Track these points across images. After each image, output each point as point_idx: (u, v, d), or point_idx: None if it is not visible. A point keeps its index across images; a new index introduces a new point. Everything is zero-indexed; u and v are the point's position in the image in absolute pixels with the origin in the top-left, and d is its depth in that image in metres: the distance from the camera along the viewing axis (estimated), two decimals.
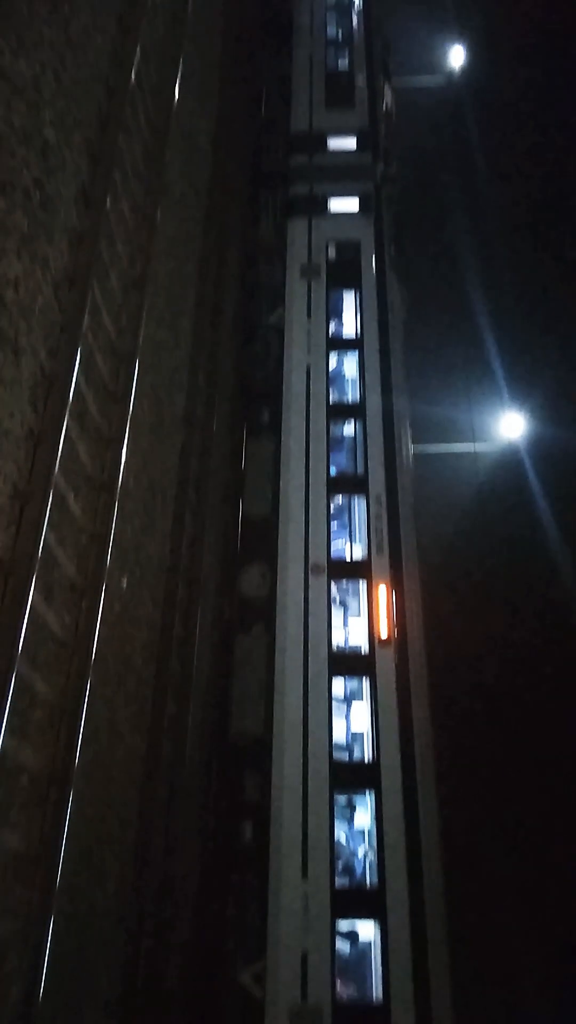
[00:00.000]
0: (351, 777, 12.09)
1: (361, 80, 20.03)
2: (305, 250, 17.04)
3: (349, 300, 16.87)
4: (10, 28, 5.45)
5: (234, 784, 12.92)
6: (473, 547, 20.48)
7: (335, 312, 16.81)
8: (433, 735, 12.71)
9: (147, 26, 9.16)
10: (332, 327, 16.32)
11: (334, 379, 15.89)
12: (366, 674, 12.49)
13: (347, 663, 12.87)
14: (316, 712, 12.27)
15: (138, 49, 8.52)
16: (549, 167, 25.34)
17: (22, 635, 5.23)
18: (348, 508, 14.34)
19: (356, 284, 16.70)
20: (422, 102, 27.87)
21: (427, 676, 13.10)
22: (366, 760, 12.21)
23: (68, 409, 6.37)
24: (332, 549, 13.75)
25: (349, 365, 16.21)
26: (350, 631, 13.47)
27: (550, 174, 25.15)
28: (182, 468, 10.88)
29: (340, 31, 21.27)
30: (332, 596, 13.40)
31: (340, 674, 12.64)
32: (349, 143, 18.47)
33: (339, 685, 12.79)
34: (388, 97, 20.70)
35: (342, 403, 15.53)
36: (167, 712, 9.89)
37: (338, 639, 13.09)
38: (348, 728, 12.99)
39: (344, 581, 13.64)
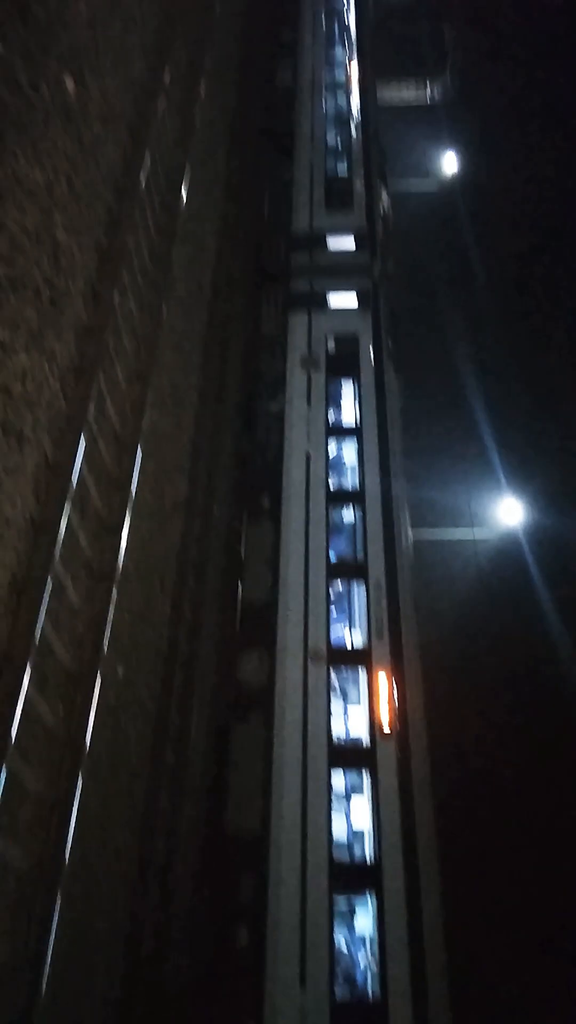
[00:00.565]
0: (351, 878, 11.59)
1: (359, 185, 21.06)
2: (305, 342, 17.57)
3: (348, 389, 17.28)
4: (26, 138, 5.76)
5: (229, 884, 12.36)
6: (473, 633, 20.27)
7: (334, 401, 17.19)
8: (436, 832, 12.26)
9: (156, 135, 9.70)
10: (331, 415, 16.65)
11: (333, 465, 16.10)
12: (367, 767, 12.14)
13: (347, 755, 12.52)
14: (315, 808, 11.87)
15: (147, 156, 8.99)
16: (541, 264, 26.36)
17: (14, 729, 5.10)
18: (348, 594, 14.27)
19: (355, 374, 17.14)
20: (417, 205, 29.28)
21: (430, 768, 12.75)
22: (367, 860, 11.72)
23: (70, 497, 6.42)
24: (332, 635, 13.61)
25: (348, 452, 16.46)
26: (350, 721, 13.16)
27: (543, 269, 26.13)
28: (182, 554, 10.87)
29: (339, 140, 22.51)
30: (332, 684, 13.17)
31: (340, 767, 12.28)
32: (348, 243, 19.29)
33: (339, 779, 12.40)
34: (385, 200, 21.78)
35: (341, 489, 15.68)
36: (160, 807, 9.56)
37: (338, 730, 12.78)
38: (348, 825, 12.53)
39: (344, 668, 13.42)
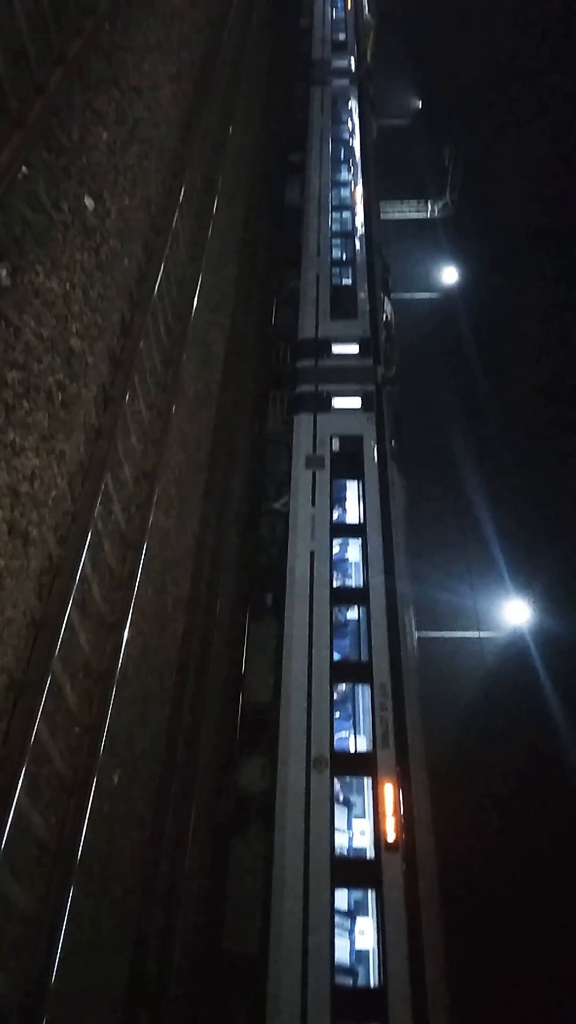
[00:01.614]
0: (355, 1006, 10.80)
1: (363, 295, 21.91)
2: (310, 442, 17.86)
3: (352, 489, 17.42)
4: (46, 253, 6.04)
5: (225, 1010, 11.53)
6: (480, 734, 19.71)
7: (338, 500, 17.31)
8: (445, 956, 11.51)
9: (170, 249, 10.16)
10: (336, 514, 16.74)
11: (338, 564, 16.05)
12: (372, 885, 11.51)
13: (351, 871, 11.90)
14: (317, 928, 11.19)
15: (161, 269, 9.39)
16: (543, 367, 27.10)
17: (3, 842, 4.87)
18: (352, 697, 13.94)
19: (359, 474, 17.31)
20: (419, 313, 30.45)
21: (438, 884, 12.11)
22: (372, 985, 10.97)
23: (72, 596, 6.36)
24: (335, 740, 13.18)
25: (352, 551, 16.45)
26: (354, 833, 12.60)
27: (545, 372, 26.82)
28: (183, 653, 10.70)
29: (344, 253, 23.60)
30: (335, 793, 12.67)
31: (343, 884, 11.65)
32: (352, 349, 19.92)
33: (342, 897, 11.75)
34: (388, 309, 22.62)
35: (346, 588, 15.57)
36: (155, 925, 9.03)
37: (341, 843, 12.20)
38: (352, 947, 11.80)
39: (348, 777, 12.94)
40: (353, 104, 29.22)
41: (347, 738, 13.56)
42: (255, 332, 19.64)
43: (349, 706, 13.93)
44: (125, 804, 8.43)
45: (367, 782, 12.72)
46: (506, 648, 21.32)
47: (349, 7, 36.31)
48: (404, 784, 12.60)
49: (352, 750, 13.36)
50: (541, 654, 20.82)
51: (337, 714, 13.55)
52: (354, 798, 13.18)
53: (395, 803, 12.34)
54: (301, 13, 35.72)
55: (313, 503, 16.72)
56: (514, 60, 35.17)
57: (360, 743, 13.44)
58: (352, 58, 32.00)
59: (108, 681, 7.34)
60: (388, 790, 12.42)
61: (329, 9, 35.98)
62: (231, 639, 14.33)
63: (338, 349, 20.07)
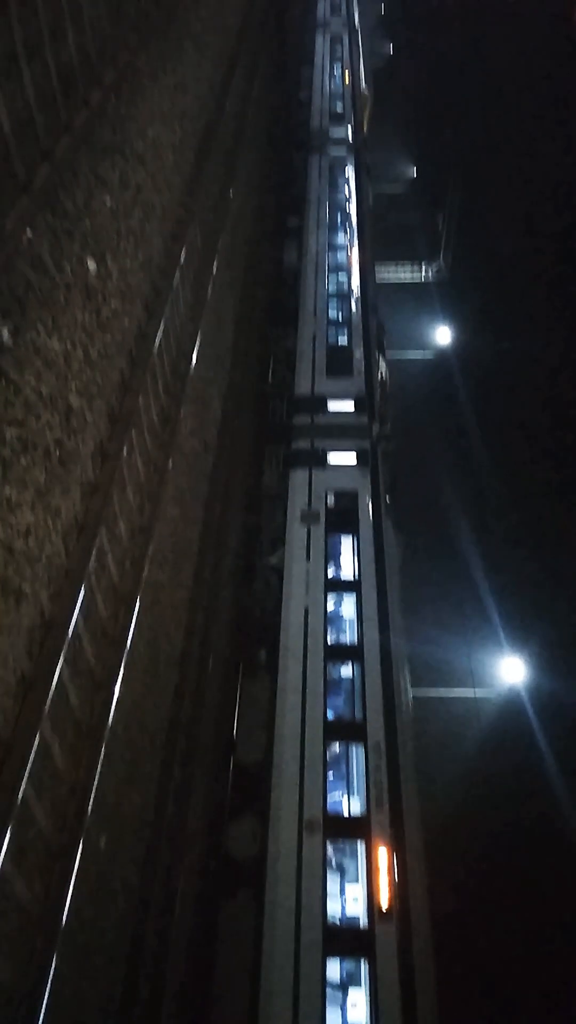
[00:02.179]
0: None
1: (358, 353, 22.34)
2: (305, 497, 17.97)
3: (347, 544, 17.46)
4: (47, 313, 6.15)
5: None
6: (476, 795, 19.34)
7: (333, 555, 17.33)
8: None
9: (170, 309, 10.36)
10: (331, 570, 16.72)
11: (332, 620, 15.97)
12: (365, 955, 11.14)
13: (344, 940, 11.54)
14: (308, 999, 10.80)
15: (161, 328, 9.56)
16: (538, 425, 27.43)
17: None
18: (345, 757, 13.70)
19: (353, 530, 17.38)
20: (414, 372, 30.97)
21: (433, 953, 11.73)
22: None
23: (63, 653, 6.29)
24: (328, 802, 12.92)
25: (347, 607, 16.38)
26: (347, 900, 12.24)
27: (540, 431, 27.14)
28: (174, 711, 10.53)
29: (340, 314, 24.13)
30: (328, 858, 12.35)
31: (335, 954, 11.28)
32: (347, 406, 20.21)
33: (334, 967, 11.36)
34: (383, 368, 23.03)
35: (340, 645, 15.46)
36: (139, 998, 8.68)
37: (334, 910, 11.86)
38: (344, 1021, 11.36)
39: (341, 841, 12.64)
40: (350, 172, 30.27)
41: (340, 799, 13.29)
42: (252, 389, 19.91)
43: (342, 766, 13.69)
44: (112, 868, 8.19)
45: (360, 846, 12.43)
46: (502, 707, 21.07)
47: (347, 81, 37.88)
48: (398, 848, 12.32)
49: (345, 813, 13.08)
50: (537, 714, 20.58)
51: (330, 774, 13.31)
52: (347, 862, 12.86)
53: (389, 869, 12.04)
54: (300, 86, 37.25)
55: (308, 558, 16.73)
56: (506, 129, 36.54)
57: (354, 805, 13.17)
58: (349, 128, 33.24)
59: (97, 740, 7.21)
60: (382, 855, 12.13)
61: (327, 82, 37.54)
62: (223, 696, 14.15)
63: (334, 406, 20.37)
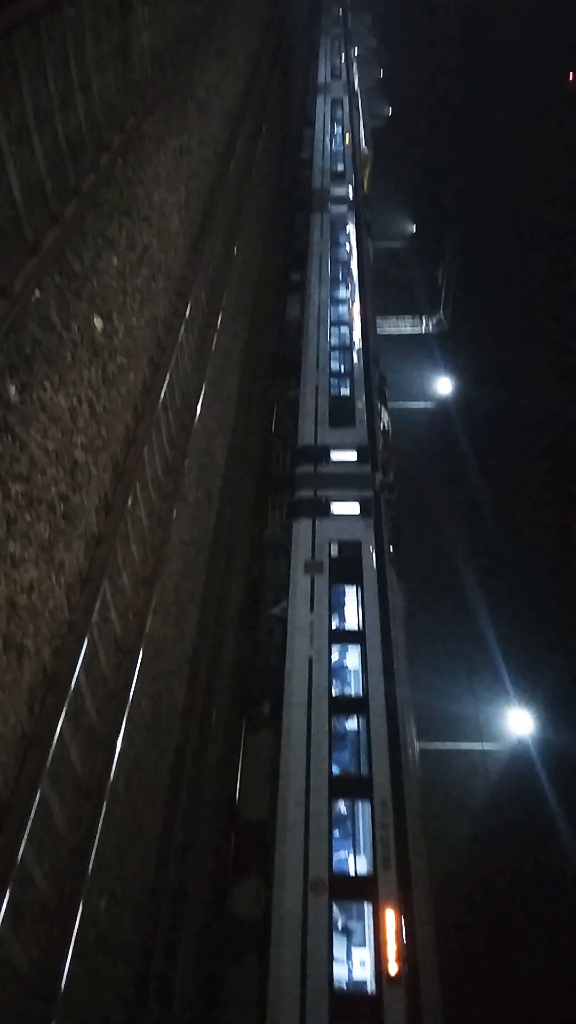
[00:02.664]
0: None
1: (361, 404, 22.56)
2: (309, 547, 17.92)
3: (351, 595, 17.35)
4: (54, 370, 6.24)
5: None
6: (485, 857, 18.89)
7: (337, 606, 17.20)
8: None
9: (175, 363, 10.51)
10: (335, 620, 16.59)
11: (336, 672, 15.78)
12: (373, 1022, 10.72)
13: (351, 1006, 11.11)
14: None
15: (166, 382, 9.68)
16: (539, 472, 27.52)
17: None
18: (351, 814, 13.39)
19: (357, 580, 17.28)
20: (416, 422, 31.24)
21: (443, 1018, 11.28)
22: None
23: (65, 709, 6.21)
24: (334, 861, 12.57)
25: (351, 658, 16.20)
26: (354, 964, 11.83)
27: (540, 477, 27.22)
28: (176, 767, 10.35)
29: (342, 365, 24.45)
30: (334, 920, 11.98)
31: (343, 1021, 10.85)
32: (350, 456, 20.32)
33: None
34: (385, 418, 23.23)
35: (345, 697, 15.24)
36: None
37: (340, 975, 11.45)
38: None
39: (347, 902, 12.27)
40: (351, 229, 30.99)
41: (346, 858, 12.95)
42: (256, 439, 20.07)
43: (348, 824, 13.37)
44: (112, 932, 7.95)
45: (367, 908, 12.06)
46: (510, 760, 20.69)
47: (347, 141, 39.06)
48: (406, 910, 11.94)
49: (352, 872, 12.73)
50: (546, 767, 20.20)
51: (336, 832, 12.99)
52: (353, 925, 12.47)
53: (397, 932, 11.67)
54: (302, 146, 38.42)
55: (312, 609, 16.61)
56: (503, 186, 37.54)
57: (360, 864, 12.83)
58: (350, 187, 34.16)
59: (98, 799, 7.06)
60: (389, 917, 11.77)
61: (328, 142, 38.72)
62: (226, 751, 13.92)
63: (337, 456, 20.48)
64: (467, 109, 42.49)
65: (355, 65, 51.26)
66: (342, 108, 42.46)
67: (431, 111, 48.92)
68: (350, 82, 46.92)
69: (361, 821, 13.30)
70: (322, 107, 42.20)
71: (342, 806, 13.48)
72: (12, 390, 5.35)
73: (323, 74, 48.50)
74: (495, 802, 20.07)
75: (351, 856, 12.98)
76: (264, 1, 25.02)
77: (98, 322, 7.13)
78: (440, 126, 46.01)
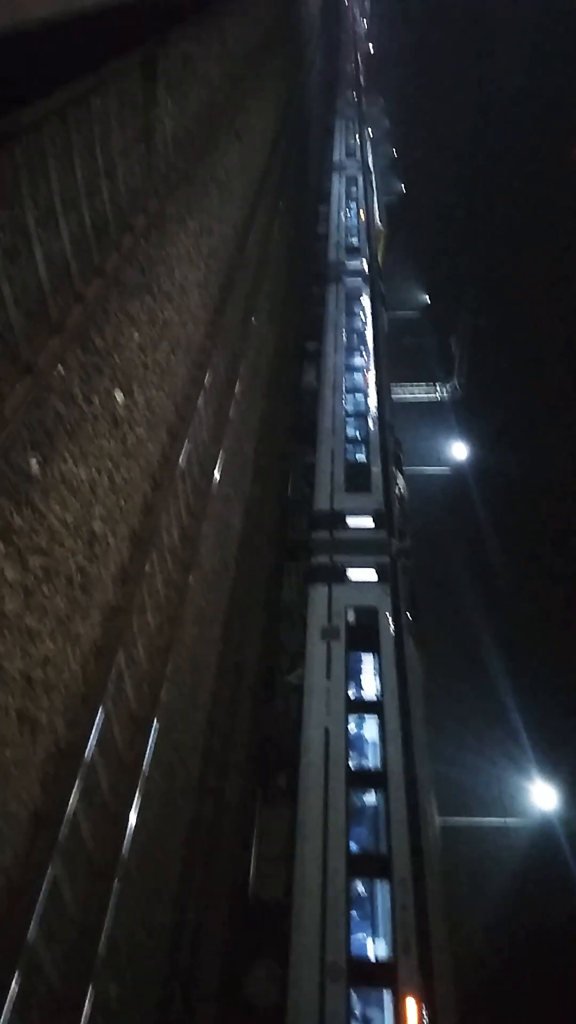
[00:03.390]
0: None
1: (376, 469, 22.69)
2: (325, 614, 17.79)
3: (368, 662, 17.11)
4: (75, 443, 6.34)
5: None
6: (510, 935, 18.09)
7: (354, 673, 16.95)
8: None
9: (193, 432, 10.66)
10: (352, 689, 16.32)
11: (354, 742, 15.44)
12: None
13: None
14: None
15: (184, 452, 9.80)
16: (550, 541, 27.34)
17: None
18: (370, 894, 12.90)
19: (375, 647, 17.07)
20: (432, 487, 31.30)
21: None
22: None
23: (77, 785, 6.10)
24: (352, 945, 12.06)
25: (369, 728, 15.87)
26: None
27: (554, 546, 27.02)
28: (189, 845, 10.06)
29: (358, 432, 24.70)
30: (351, 1007, 11.42)
31: None
32: (366, 521, 20.34)
33: None
34: (400, 483, 23.31)
35: (363, 769, 14.86)
36: None
37: None
38: None
39: (366, 989, 11.71)
40: (365, 300, 31.72)
41: (365, 942, 12.42)
42: (272, 504, 20.15)
43: (367, 904, 12.87)
44: (122, 1020, 7.61)
45: (387, 995, 11.51)
46: (534, 837, 19.97)
47: (361, 217, 40.35)
48: (428, 998, 11.38)
49: (371, 957, 12.20)
50: (572, 844, 19.48)
51: (354, 914, 12.49)
52: (373, 1013, 11.87)
53: (418, 1019, 11.10)
54: (319, 221, 39.72)
55: (328, 676, 16.38)
56: (514, 257, 38.47)
57: (379, 948, 12.30)
58: (364, 260, 35.12)
59: (109, 879, 6.87)
60: (411, 1006, 11.21)
61: (343, 218, 40.01)
62: (241, 827, 13.53)
63: (353, 522, 20.50)
64: (477, 184, 43.92)
65: (369, 145, 53.34)
66: (356, 185, 44.02)
67: (442, 187, 50.61)
68: (364, 161, 48.75)
69: (380, 902, 12.81)
70: (337, 184, 43.79)
71: (360, 885, 12.99)
72: (34, 464, 5.43)
73: (338, 153, 50.47)
74: (519, 881, 19.31)
75: (370, 939, 12.46)
76: (282, 86, 26.25)
77: (119, 395, 7.27)
78: (453, 201, 47.52)
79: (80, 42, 6.13)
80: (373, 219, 40.27)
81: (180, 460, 9.50)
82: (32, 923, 5.36)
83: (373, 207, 42.12)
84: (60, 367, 6.09)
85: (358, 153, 50.65)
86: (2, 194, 5.47)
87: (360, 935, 12.46)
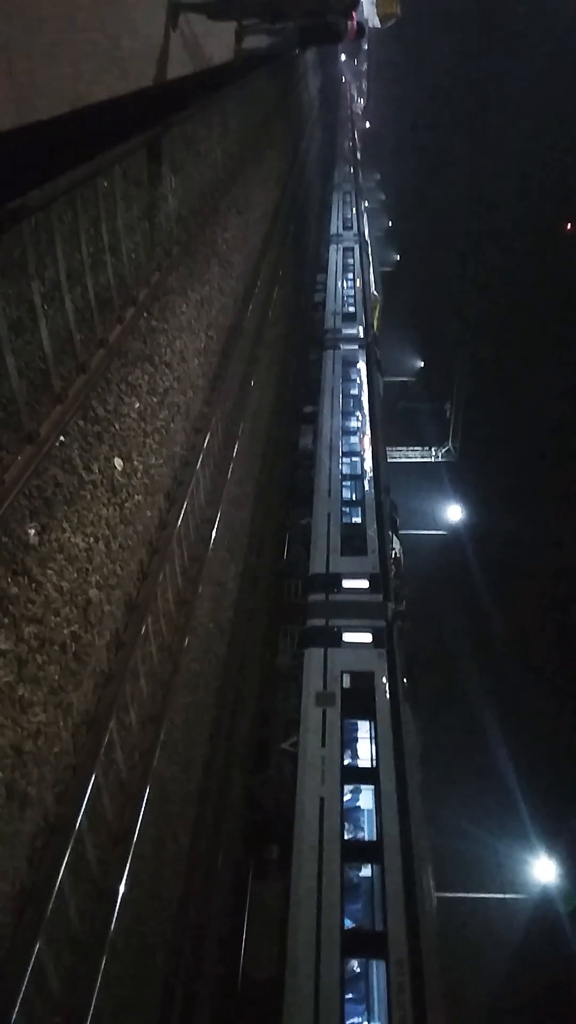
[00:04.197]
0: None
1: (372, 532, 22.74)
2: (320, 678, 17.58)
3: (364, 729, 16.84)
4: (73, 511, 6.40)
5: None
6: (512, 1013, 17.40)
7: (350, 741, 16.67)
8: None
9: (191, 497, 10.73)
10: (347, 756, 16.03)
11: (349, 813, 15.09)
12: None
13: None
14: None
15: (181, 517, 9.86)
16: (544, 600, 27.26)
17: None
18: (365, 974, 12.43)
19: (371, 714, 16.83)
20: (428, 549, 31.38)
21: None
22: None
23: (65, 860, 5.95)
24: None
25: (365, 798, 15.54)
26: None
27: (548, 605, 26.93)
28: (179, 921, 9.75)
29: (353, 494, 24.86)
30: None
31: None
32: (362, 584, 20.29)
33: None
34: (396, 546, 23.36)
35: (358, 841, 14.49)
36: None
37: None
38: None
39: None
40: (361, 366, 32.33)
41: None
42: (267, 567, 20.14)
43: (362, 986, 12.39)
44: None
45: None
46: (534, 912, 19.38)
47: (358, 284, 41.41)
48: None
49: None
50: (573, 920, 18.90)
51: (348, 995, 12.01)
52: None
53: None
54: (316, 290, 40.76)
55: (323, 743, 16.09)
56: (507, 326, 39.41)
57: None
58: (360, 327, 35.91)
59: (96, 959, 6.65)
60: None
61: (340, 287, 41.05)
62: (232, 902, 13.12)
63: (348, 584, 20.45)
64: (469, 255, 45.27)
65: (365, 216, 55.14)
66: (353, 255, 45.31)
67: (436, 257, 52.15)
68: (360, 232, 50.30)
69: (376, 981, 12.34)
70: (334, 255, 45.08)
71: (355, 964, 12.54)
72: (32, 532, 5.47)
73: (335, 225, 52.12)
74: (519, 958, 18.67)
75: (365, 1022, 11.96)
76: (281, 162, 27.28)
77: (118, 463, 7.37)
78: (445, 270, 48.89)
79: (89, 128, 6.43)
80: (369, 288, 41.35)
81: (177, 524, 9.55)
82: (15, 1008, 5.18)
83: (369, 276, 43.29)
84: (61, 436, 6.19)
85: (355, 225, 52.33)
86: (9, 271, 5.66)
87: (355, 1018, 11.97)
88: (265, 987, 12.25)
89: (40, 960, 5.73)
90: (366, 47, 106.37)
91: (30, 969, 5.37)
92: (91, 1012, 6.47)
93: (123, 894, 7.29)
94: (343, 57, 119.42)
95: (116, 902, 7.16)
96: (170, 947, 9.44)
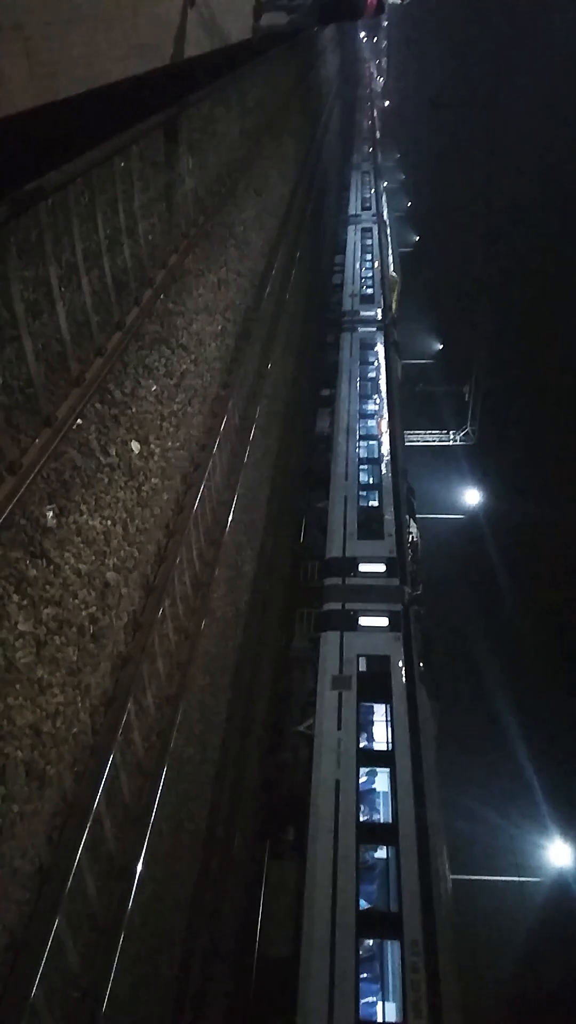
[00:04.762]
0: None
1: (389, 516, 22.66)
2: (337, 662, 17.61)
3: (380, 713, 16.87)
4: (91, 494, 6.41)
5: None
6: (524, 998, 17.49)
7: (366, 724, 16.70)
8: None
9: (208, 480, 10.73)
10: (363, 740, 16.07)
11: (364, 795, 15.14)
12: None
13: None
14: None
15: (198, 499, 9.86)
16: (564, 582, 27.08)
17: None
18: (380, 955, 12.53)
19: (386, 697, 16.85)
20: (445, 533, 31.25)
21: None
22: None
23: (83, 839, 6.02)
24: (361, 1007, 11.67)
25: (380, 780, 15.58)
26: None
27: (568, 588, 26.74)
28: (195, 900, 9.86)
29: (371, 478, 24.76)
30: None
31: None
32: (379, 568, 20.25)
33: None
34: (413, 530, 23.26)
35: (373, 822, 14.56)
36: None
37: None
38: None
39: None
40: (380, 348, 32.08)
41: (374, 1005, 12.02)
42: (284, 551, 20.14)
43: (376, 966, 12.49)
44: None
45: None
46: (550, 895, 19.43)
47: (376, 265, 41.02)
48: None
49: (380, 1020, 11.80)
50: None
51: (363, 974, 12.12)
52: None
53: None
54: (334, 271, 40.43)
55: (339, 726, 16.14)
56: (527, 307, 38.89)
57: (389, 1012, 11.90)
58: (378, 309, 35.60)
59: (114, 937, 6.73)
60: None
61: (358, 267, 40.68)
62: (248, 882, 13.24)
63: (365, 568, 20.41)
64: (489, 234, 44.67)
65: (384, 197, 54.53)
66: (371, 236, 44.86)
67: (455, 237, 51.53)
68: (379, 212, 49.76)
69: (390, 962, 12.43)
70: (353, 236, 44.66)
71: (370, 945, 12.64)
72: (50, 515, 5.49)
73: (354, 206, 51.61)
74: (533, 941, 18.74)
75: (380, 1003, 12.07)
76: (299, 142, 27.00)
77: (135, 446, 7.37)
78: (464, 251, 48.33)
79: (107, 108, 6.38)
80: (387, 269, 40.95)
81: (194, 507, 9.56)
82: (35, 982, 5.26)
83: (387, 257, 42.87)
84: (79, 419, 6.19)
85: (373, 205, 51.78)
86: (27, 253, 5.64)
87: (369, 997, 12.08)
88: (280, 967, 12.38)
89: (59, 937, 5.82)
90: (385, 24, 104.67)
91: (49, 945, 5.45)
92: (108, 990, 6.58)
93: (140, 871, 7.37)
94: (362, 35, 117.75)
95: (134, 881, 7.25)
96: (187, 925, 9.55)
